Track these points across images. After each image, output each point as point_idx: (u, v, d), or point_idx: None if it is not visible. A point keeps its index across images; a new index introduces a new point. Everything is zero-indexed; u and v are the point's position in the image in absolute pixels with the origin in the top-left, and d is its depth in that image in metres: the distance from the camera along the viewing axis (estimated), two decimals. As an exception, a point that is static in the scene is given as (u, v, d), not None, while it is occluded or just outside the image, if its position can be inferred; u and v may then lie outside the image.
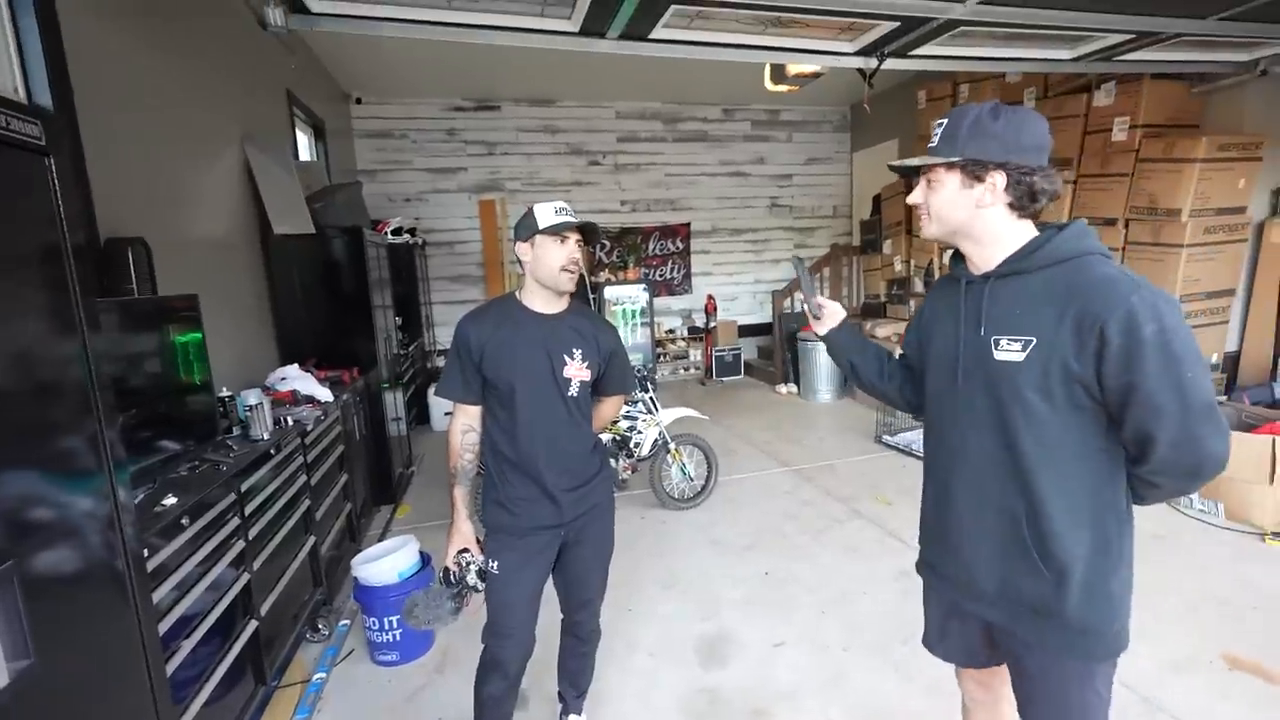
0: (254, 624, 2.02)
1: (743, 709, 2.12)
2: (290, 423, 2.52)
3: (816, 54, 3.41)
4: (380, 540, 2.99)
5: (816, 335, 1.46)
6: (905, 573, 2.94)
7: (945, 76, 5.55)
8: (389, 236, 4.94)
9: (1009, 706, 1.37)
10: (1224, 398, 3.94)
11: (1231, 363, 4.41)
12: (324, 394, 2.98)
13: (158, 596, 1.48)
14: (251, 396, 2.26)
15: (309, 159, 4.88)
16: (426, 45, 3.14)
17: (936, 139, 1.11)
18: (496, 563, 1.64)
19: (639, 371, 3.84)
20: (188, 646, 1.63)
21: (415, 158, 6.74)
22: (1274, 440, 3.05)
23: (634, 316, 6.78)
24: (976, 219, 1.10)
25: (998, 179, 1.06)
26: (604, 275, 7.10)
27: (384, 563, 2.41)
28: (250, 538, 2.04)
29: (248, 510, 2.04)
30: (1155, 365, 0.94)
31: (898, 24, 3.00)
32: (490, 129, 6.91)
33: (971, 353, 1.13)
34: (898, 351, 1.45)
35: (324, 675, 2.34)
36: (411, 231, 5.91)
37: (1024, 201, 1.07)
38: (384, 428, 3.97)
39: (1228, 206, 4.06)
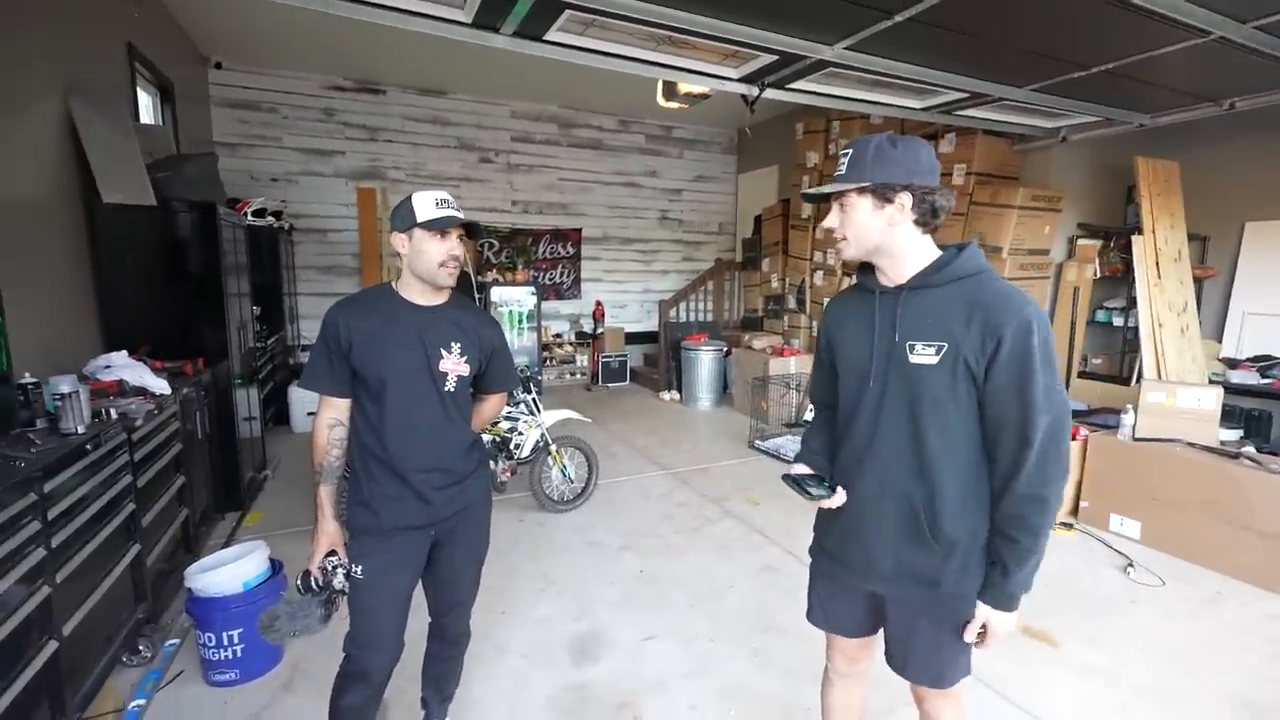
0: (54, 645, 1.75)
1: (610, 702, 2.16)
2: (114, 416, 2.21)
3: (704, 75, 3.59)
4: (223, 549, 2.70)
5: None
6: (767, 567, 3.14)
7: (819, 112, 6.05)
8: (249, 217, 4.50)
9: (865, 680, 1.55)
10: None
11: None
12: (159, 385, 2.65)
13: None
14: (64, 384, 1.96)
15: (152, 122, 4.33)
16: (301, 14, 2.90)
17: (844, 167, 1.19)
18: (361, 567, 1.55)
19: (523, 372, 3.79)
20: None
21: (285, 135, 6.20)
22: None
23: (521, 320, 6.68)
24: (890, 236, 1.20)
25: (905, 199, 1.17)
26: (491, 275, 6.93)
27: (225, 570, 2.19)
28: (54, 546, 1.76)
29: (52, 515, 1.76)
30: (1038, 366, 1.10)
31: (776, 57, 3.24)
32: (373, 113, 6.53)
33: (886, 357, 1.23)
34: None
35: (142, 702, 2.07)
36: (277, 214, 5.42)
37: (927, 217, 1.19)
38: (234, 427, 3.59)
39: (1037, 248, 4.79)
